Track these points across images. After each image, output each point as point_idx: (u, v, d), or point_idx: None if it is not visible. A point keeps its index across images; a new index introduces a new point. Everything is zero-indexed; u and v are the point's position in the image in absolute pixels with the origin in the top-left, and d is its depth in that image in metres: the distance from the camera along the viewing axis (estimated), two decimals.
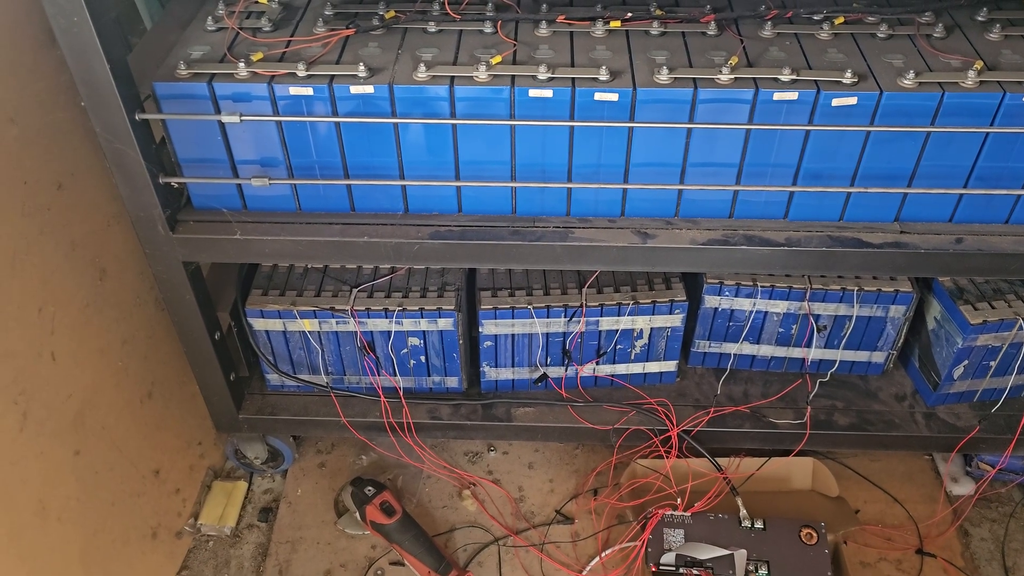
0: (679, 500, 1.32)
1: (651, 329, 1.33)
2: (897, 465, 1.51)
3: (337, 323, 1.29)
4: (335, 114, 1.02)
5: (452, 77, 1.00)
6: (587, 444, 1.55)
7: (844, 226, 1.12)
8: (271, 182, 1.07)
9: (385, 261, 1.12)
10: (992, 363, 1.32)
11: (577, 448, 1.55)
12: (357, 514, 1.37)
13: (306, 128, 1.04)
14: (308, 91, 1.00)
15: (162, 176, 1.06)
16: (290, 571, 1.38)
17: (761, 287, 1.31)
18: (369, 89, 1.00)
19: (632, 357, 1.37)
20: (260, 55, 1.02)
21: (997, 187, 1.08)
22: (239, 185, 1.10)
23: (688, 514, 1.32)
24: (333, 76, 1.01)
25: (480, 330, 1.31)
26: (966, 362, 1.31)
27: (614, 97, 1.00)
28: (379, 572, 1.37)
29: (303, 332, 1.30)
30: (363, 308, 1.27)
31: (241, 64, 1.00)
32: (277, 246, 1.11)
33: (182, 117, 1.02)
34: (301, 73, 1.00)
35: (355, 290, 1.29)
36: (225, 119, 1.00)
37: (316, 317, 1.28)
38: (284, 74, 1.00)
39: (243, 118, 1.00)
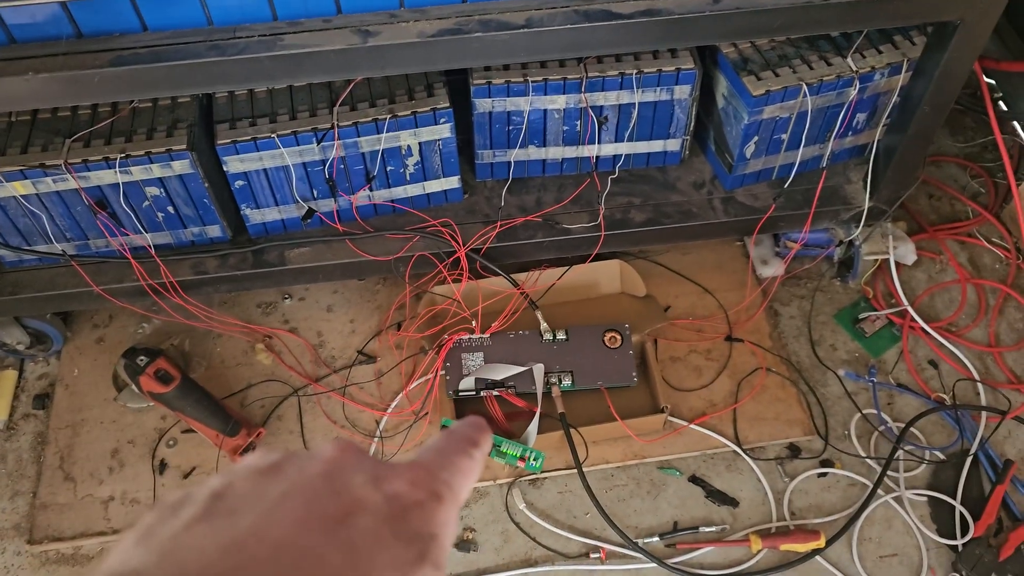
0: (473, 323, 1.25)
1: (419, 144, 1.20)
2: (708, 255, 1.47)
3: (54, 181, 1.12)
4: None
5: None
6: (390, 278, 1.45)
7: None
8: None
9: (60, 100, 0.95)
10: (783, 136, 1.25)
11: (377, 283, 1.45)
12: (134, 386, 1.26)
13: None
14: None
15: None
16: (73, 456, 1.27)
17: (533, 82, 1.18)
18: None
19: (408, 178, 1.25)
20: None
21: None
22: None
23: (487, 336, 1.26)
24: None
25: (225, 168, 1.16)
26: (756, 138, 1.24)
27: None
28: (171, 443, 1.28)
29: (17, 197, 1.13)
30: (79, 160, 1.10)
31: None
32: None
33: None
34: None
35: (68, 140, 1.12)
36: None
37: (26, 177, 1.10)
38: None
39: None
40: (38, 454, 1.29)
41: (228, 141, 1.12)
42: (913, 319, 1.36)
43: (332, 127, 1.14)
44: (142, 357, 1.25)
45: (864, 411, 1.29)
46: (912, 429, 1.26)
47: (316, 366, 1.36)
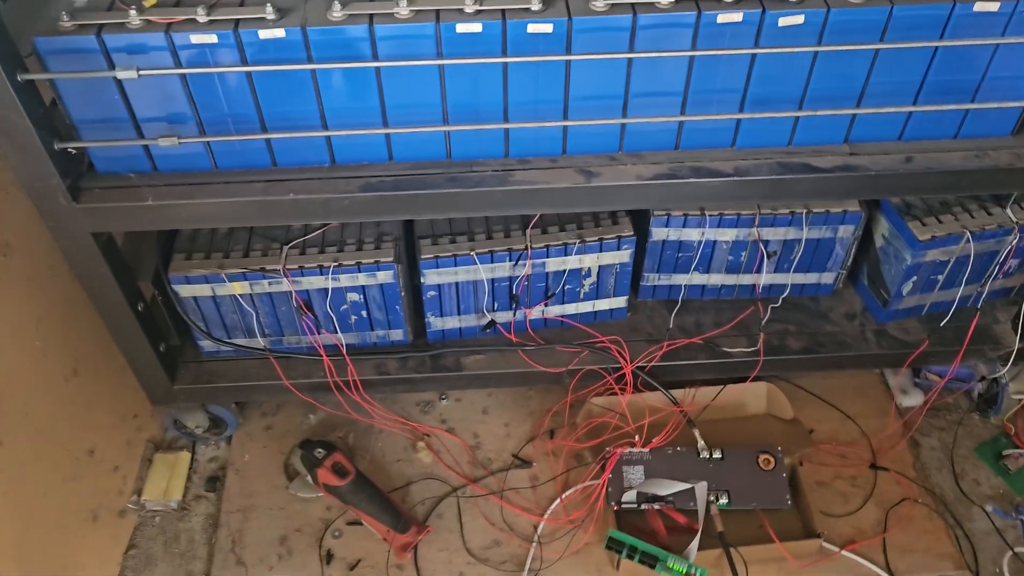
0: (636, 437, 1.30)
1: (599, 267, 1.28)
2: (848, 381, 1.52)
3: (270, 284, 1.21)
4: (244, 63, 0.93)
5: (371, 15, 0.92)
6: (542, 385, 1.51)
7: (793, 151, 1.08)
8: (180, 141, 0.97)
9: (314, 218, 1.05)
10: (940, 277, 1.31)
11: (531, 390, 1.52)
12: (309, 477, 1.33)
13: (214, 80, 0.95)
14: (212, 39, 0.90)
15: (57, 142, 0.96)
16: (244, 540, 1.33)
17: (709, 216, 1.27)
18: (280, 33, 0.91)
19: (581, 296, 1.33)
20: (153, 0, 0.92)
21: (946, 102, 1.04)
22: (146, 146, 1.00)
23: (647, 450, 1.31)
24: (238, 20, 0.91)
25: (422, 280, 1.25)
26: (915, 278, 1.30)
27: (548, 28, 0.93)
28: (336, 534, 1.34)
29: (234, 296, 1.22)
30: (296, 266, 1.20)
31: (132, 11, 0.90)
32: (194, 210, 1.02)
33: (71, 76, 0.92)
34: (202, 19, 0.90)
35: (286, 248, 1.22)
36: (121, 75, 0.90)
37: (246, 279, 1.20)
38: (182, 20, 0.90)
39: (141, 73, 0.90)
40: (209, 535, 1.35)
41: (431, 256, 1.22)
42: None
43: (526, 249, 1.23)
44: (319, 450, 1.32)
45: (1016, 549, 1.31)
46: None
47: (473, 467, 1.41)
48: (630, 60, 0.97)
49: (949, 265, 1.30)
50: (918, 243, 1.24)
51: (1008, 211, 1.27)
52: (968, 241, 1.26)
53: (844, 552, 1.30)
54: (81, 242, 1.04)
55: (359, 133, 1.01)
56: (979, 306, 1.36)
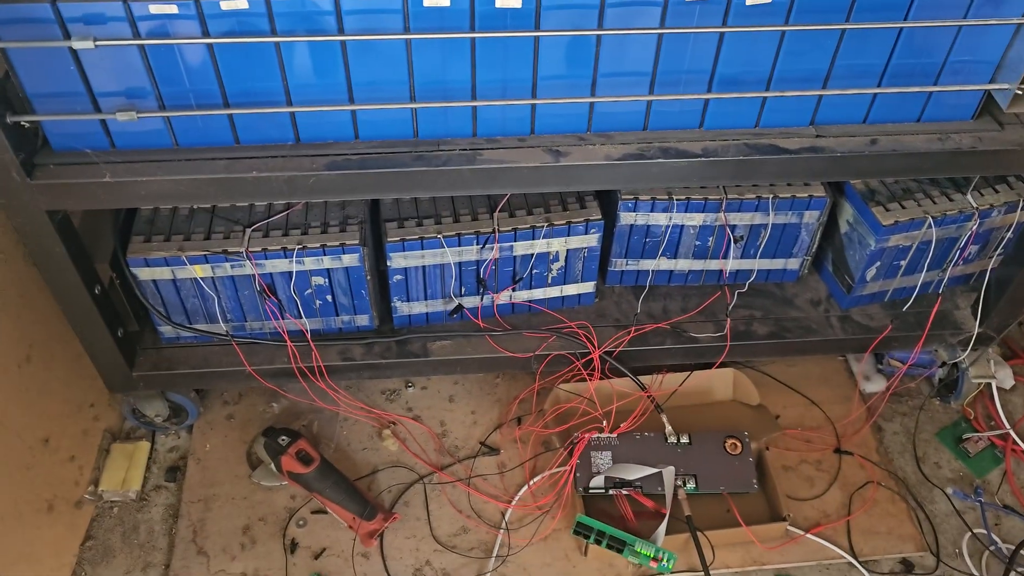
0: (604, 422, 1.30)
1: (567, 251, 1.28)
2: (813, 368, 1.53)
3: (232, 267, 1.19)
4: (206, 34, 0.90)
5: None
6: (508, 372, 1.51)
7: (760, 133, 1.08)
8: (139, 116, 0.95)
9: (278, 197, 1.03)
10: (902, 262, 1.33)
11: (497, 377, 1.51)
12: (272, 465, 1.30)
13: (174, 52, 0.92)
14: (172, 8, 0.88)
15: (10, 115, 0.93)
16: (205, 530, 1.30)
17: (676, 200, 1.27)
18: (243, 4, 0.89)
19: (549, 281, 1.32)
20: None
21: (910, 84, 1.05)
22: (103, 121, 0.98)
23: (615, 435, 1.31)
24: None
25: (388, 264, 1.23)
26: (878, 263, 1.32)
27: (517, 4, 0.92)
28: (301, 522, 1.31)
29: (195, 279, 1.20)
30: (259, 249, 1.18)
31: None
32: (154, 187, 0.99)
33: (24, 45, 0.89)
34: None
35: (249, 230, 1.19)
36: (76, 45, 0.88)
37: (208, 262, 1.18)
38: None
39: (97, 43, 0.88)
40: (169, 526, 1.32)
41: (398, 239, 1.20)
42: (1015, 442, 1.42)
43: (494, 231, 1.22)
44: (283, 437, 1.30)
45: (975, 530, 1.32)
46: (1022, 552, 1.30)
47: (440, 454, 1.40)
48: (599, 38, 0.96)
49: (911, 251, 1.31)
50: (881, 228, 1.26)
51: (968, 197, 1.29)
52: (930, 226, 1.27)
53: (809, 535, 1.31)
54: (36, 221, 1.01)
55: (324, 109, 0.99)
56: (940, 292, 1.38)
